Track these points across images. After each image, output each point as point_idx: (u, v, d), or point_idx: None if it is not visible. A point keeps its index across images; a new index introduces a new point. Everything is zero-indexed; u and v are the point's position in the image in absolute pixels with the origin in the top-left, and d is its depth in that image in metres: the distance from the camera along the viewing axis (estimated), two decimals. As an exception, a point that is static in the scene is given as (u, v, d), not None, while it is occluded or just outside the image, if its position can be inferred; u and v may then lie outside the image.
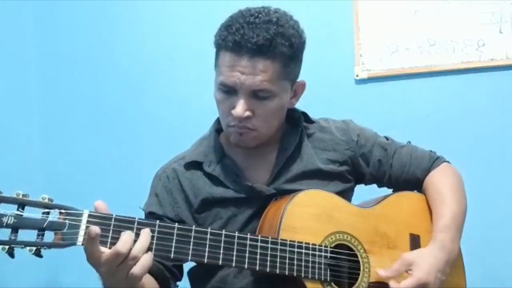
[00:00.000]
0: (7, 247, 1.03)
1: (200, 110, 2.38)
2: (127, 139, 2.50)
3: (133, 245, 1.10)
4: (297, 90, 1.42)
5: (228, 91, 1.32)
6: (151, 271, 1.30)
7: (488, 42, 2.12)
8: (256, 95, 1.31)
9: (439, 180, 1.48)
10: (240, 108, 1.30)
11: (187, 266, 1.46)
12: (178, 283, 1.43)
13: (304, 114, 1.50)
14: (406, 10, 2.22)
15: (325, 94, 2.23)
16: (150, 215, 1.41)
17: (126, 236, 1.10)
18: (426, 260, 1.30)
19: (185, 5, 2.47)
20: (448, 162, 1.56)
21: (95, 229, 1.06)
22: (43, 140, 2.59)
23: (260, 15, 1.30)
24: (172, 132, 2.43)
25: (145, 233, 1.12)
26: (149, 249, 1.13)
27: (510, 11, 2.11)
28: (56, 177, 2.51)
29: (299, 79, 1.41)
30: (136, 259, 1.10)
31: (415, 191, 1.52)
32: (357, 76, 2.25)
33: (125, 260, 1.09)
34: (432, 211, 1.44)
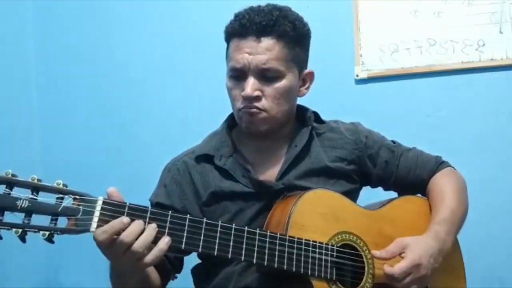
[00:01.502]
0: (20, 230, 1.02)
1: (200, 110, 2.40)
2: (127, 138, 2.51)
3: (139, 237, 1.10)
4: (306, 79, 1.47)
5: (238, 76, 1.37)
6: None
7: (488, 42, 2.13)
8: (264, 75, 1.35)
9: (441, 182, 1.51)
10: (249, 87, 1.34)
11: (191, 264, 1.46)
12: (177, 274, 1.44)
13: (315, 114, 1.52)
14: (406, 10, 2.22)
15: (325, 94, 2.23)
16: (157, 205, 1.41)
17: (135, 226, 1.09)
18: (420, 245, 1.33)
19: (186, 5, 2.47)
20: (453, 167, 1.57)
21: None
22: (43, 139, 2.60)
23: (265, 5, 1.40)
24: (172, 131, 2.43)
25: (151, 229, 1.11)
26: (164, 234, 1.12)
27: (510, 11, 2.12)
28: (55, 176, 2.51)
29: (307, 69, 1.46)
30: (137, 253, 1.09)
31: (420, 194, 1.53)
32: (357, 76, 2.25)
33: (129, 249, 1.09)
34: (432, 209, 1.47)
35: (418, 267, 1.29)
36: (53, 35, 2.61)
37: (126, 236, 1.08)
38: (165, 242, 1.12)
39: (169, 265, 1.39)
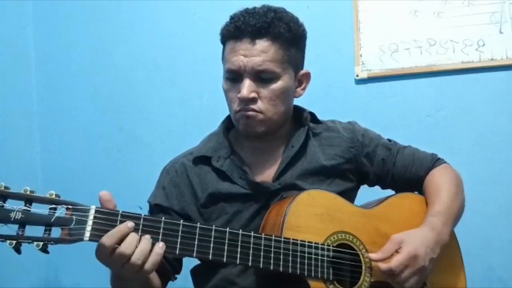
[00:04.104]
0: (14, 242, 1.03)
1: (200, 110, 2.40)
2: (127, 139, 2.51)
3: (136, 248, 1.11)
4: (302, 79, 1.46)
5: (234, 78, 1.37)
6: None
7: (488, 42, 2.12)
8: (260, 77, 1.36)
9: (437, 178, 1.51)
10: (245, 89, 1.34)
11: (190, 265, 1.46)
12: (177, 275, 1.44)
13: (312, 114, 1.52)
14: (406, 10, 2.22)
15: (325, 94, 2.23)
16: (156, 206, 1.43)
17: (131, 238, 1.11)
18: (415, 237, 1.33)
19: (186, 5, 2.47)
20: (449, 164, 1.57)
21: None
22: (42, 139, 2.60)
23: (260, 7, 1.40)
24: (172, 132, 2.43)
25: (146, 239, 1.13)
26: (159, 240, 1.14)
27: (510, 11, 2.11)
28: (55, 177, 2.51)
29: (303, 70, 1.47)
30: (137, 264, 1.11)
31: (416, 192, 1.53)
32: (357, 76, 2.25)
33: (128, 261, 1.11)
34: (427, 204, 1.46)
35: (415, 258, 1.28)
36: (53, 35, 2.61)
37: (126, 247, 1.10)
38: (159, 247, 1.13)
39: (168, 266, 1.39)
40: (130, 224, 1.11)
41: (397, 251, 1.31)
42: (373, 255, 1.32)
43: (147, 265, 1.12)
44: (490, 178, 2.10)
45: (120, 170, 2.47)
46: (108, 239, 1.09)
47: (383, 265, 1.29)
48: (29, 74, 2.60)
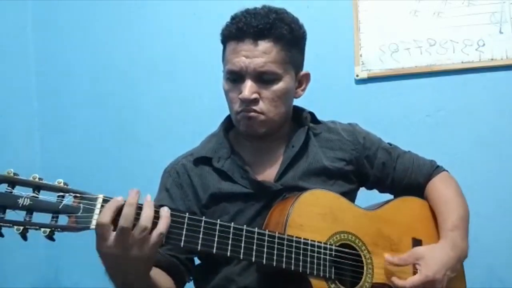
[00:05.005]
0: (21, 228, 1.04)
1: (200, 110, 2.40)
2: (127, 139, 2.51)
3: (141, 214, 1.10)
4: (302, 80, 1.47)
5: (235, 79, 1.37)
6: (164, 266, 1.34)
7: (488, 42, 2.13)
8: (261, 78, 1.35)
9: (441, 186, 1.52)
10: (247, 90, 1.34)
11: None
12: (191, 277, 1.44)
13: (312, 114, 1.52)
14: (406, 10, 2.22)
15: (325, 94, 2.23)
16: None
17: (127, 211, 1.09)
18: (437, 258, 1.33)
19: (185, 5, 2.47)
20: (448, 171, 1.58)
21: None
22: (42, 139, 2.60)
23: (261, 8, 1.40)
24: (172, 132, 2.43)
25: (148, 203, 1.11)
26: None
27: (510, 11, 2.12)
28: (55, 177, 2.51)
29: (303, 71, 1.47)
30: (145, 227, 1.09)
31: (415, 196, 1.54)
32: (357, 76, 2.26)
33: (137, 226, 1.09)
34: (438, 215, 1.47)
35: (432, 283, 1.30)
36: (53, 35, 2.61)
37: (125, 213, 1.08)
38: (165, 210, 1.13)
39: (182, 267, 1.39)
40: (120, 198, 1.09)
41: (415, 266, 1.33)
42: (389, 257, 1.34)
43: (160, 227, 1.10)
44: (490, 178, 2.10)
45: (120, 170, 2.47)
46: (104, 214, 1.07)
47: (398, 281, 1.32)
48: (29, 74, 2.60)
